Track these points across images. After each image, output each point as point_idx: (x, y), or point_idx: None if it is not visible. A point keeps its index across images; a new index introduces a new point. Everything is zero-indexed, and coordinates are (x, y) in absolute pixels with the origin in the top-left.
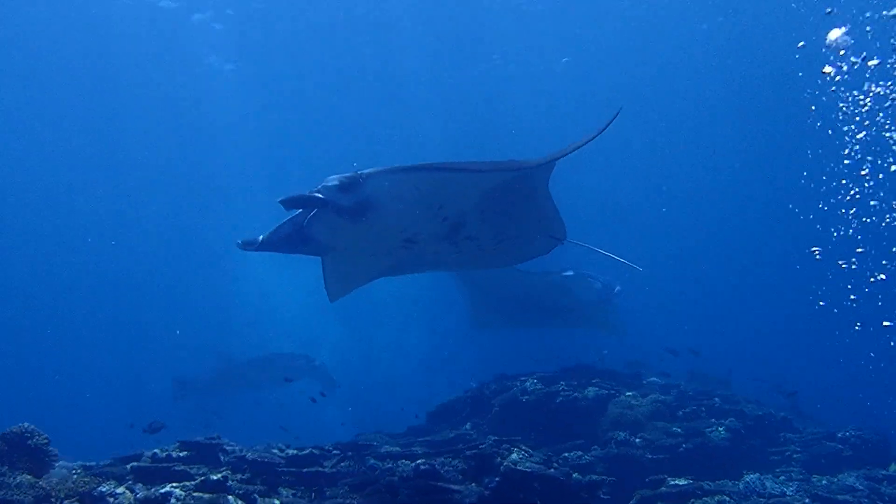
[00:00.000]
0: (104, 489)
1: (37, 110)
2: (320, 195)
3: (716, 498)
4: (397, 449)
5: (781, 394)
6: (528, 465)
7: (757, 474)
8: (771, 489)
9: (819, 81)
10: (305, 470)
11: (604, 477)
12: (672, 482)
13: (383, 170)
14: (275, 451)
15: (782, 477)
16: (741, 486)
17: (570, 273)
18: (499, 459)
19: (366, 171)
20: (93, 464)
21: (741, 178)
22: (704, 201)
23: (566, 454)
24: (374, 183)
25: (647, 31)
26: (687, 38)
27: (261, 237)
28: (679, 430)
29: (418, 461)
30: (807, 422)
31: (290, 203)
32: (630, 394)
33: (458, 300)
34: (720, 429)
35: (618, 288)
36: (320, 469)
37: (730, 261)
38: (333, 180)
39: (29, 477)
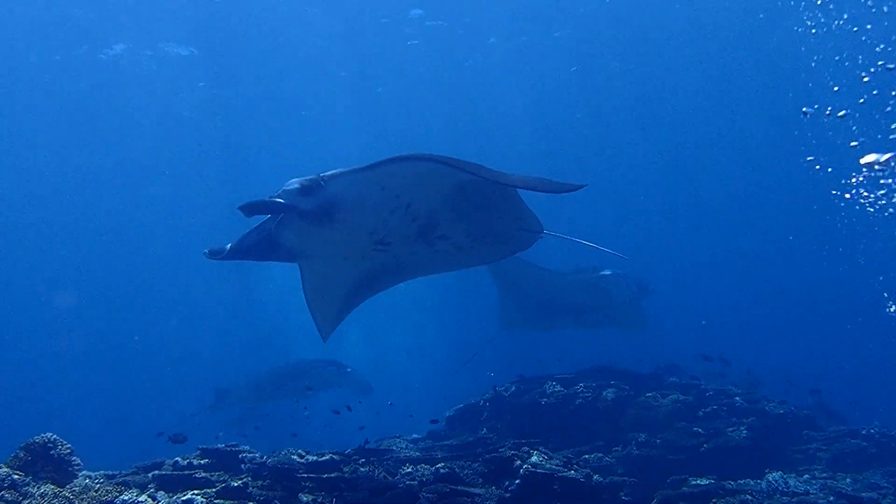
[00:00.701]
0: (126, 497)
1: None
2: (281, 200)
3: (738, 497)
4: (417, 453)
5: (809, 393)
6: (548, 467)
7: (780, 473)
8: (794, 487)
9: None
10: (325, 475)
11: (625, 478)
12: (694, 482)
13: (346, 170)
14: (294, 457)
15: (806, 475)
16: (764, 485)
17: (607, 272)
18: (518, 462)
19: (328, 172)
20: (115, 473)
21: (775, 179)
22: (737, 203)
23: (586, 456)
24: (336, 184)
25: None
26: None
27: (228, 245)
28: (700, 430)
29: (438, 465)
30: (831, 420)
31: (250, 209)
32: (650, 395)
33: (490, 300)
34: (741, 428)
35: (651, 287)
36: (340, 474)
37: (762, 262)
38: (294, 184)
39: (53, 486)
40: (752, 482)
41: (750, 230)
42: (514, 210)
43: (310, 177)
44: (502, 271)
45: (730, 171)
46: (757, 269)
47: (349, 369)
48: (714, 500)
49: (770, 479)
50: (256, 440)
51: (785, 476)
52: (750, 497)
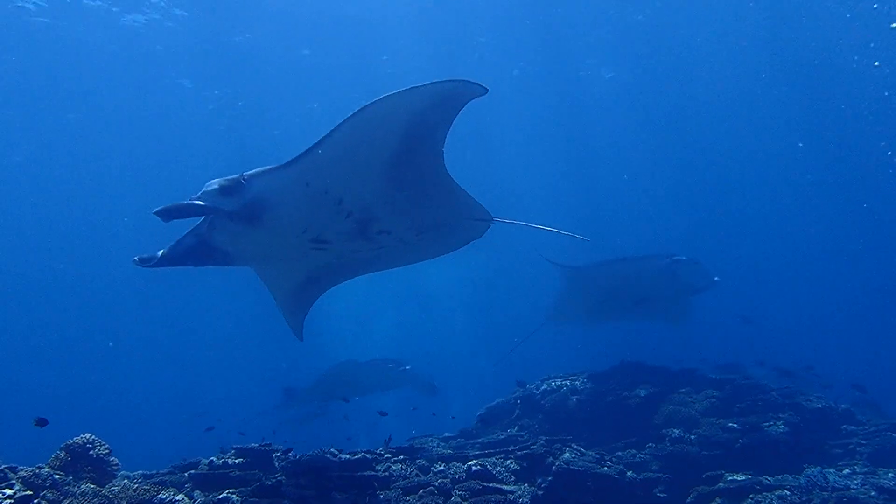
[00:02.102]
0: (164, 496)
1: None
2: (201, 202)
3: (776, 493)
4: (449, 451)
5: (851, 387)
6: (580, 463)
7: (819, 468)
8: (834, 483)
9: None
10: (358, 474)
11: (659, 474)
12: (730, 478)
13: (269, 168)
14: (327, 455)
15: (846, 470)
16: (802, 481)
17: (682, 258)
18: (551, 459)
19: (251, 171)
20: (153, 472)
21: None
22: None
23: (619, 452)
24: (259, 183)
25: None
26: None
27: (160, 252)
28: (735, 425)
29: (470, 463)
30: (871, 413)
31: (167, 214)
32: (683, 390)
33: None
34: (778, 423)
35: (717, 277)
36: (373, 472)
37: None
38: (214, 184)
39: (92, 486)
40: (790, 478)
41: (785, 227)
42: (453, 198)
43: (231, 176)
44: (578, 276)
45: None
46: (788, 263)
47: (408, 367)
48: (752, 496)
49: (809, 474)
50: (307, 441)
51: (824, 471)
52: (788, 493)
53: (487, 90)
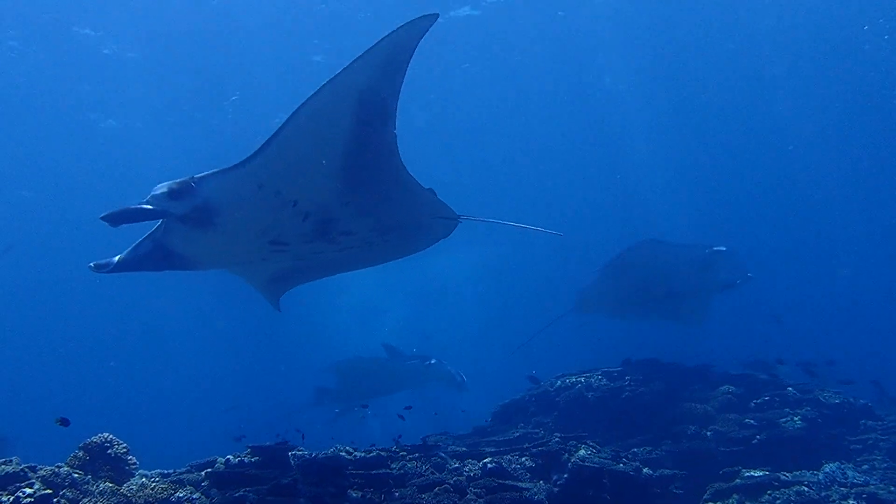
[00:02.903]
0: (181, 495)
1: None
2: (150, 206)
3: (794, 489)
4: (464, 449)
5: (871, 383)
6: (596, 460)
7: (837, 463)
8: (853, 478)
9: None
10: (374, 472)
11: (675, 471)
12: (747, 474)
13: (219, 170)
14: (342, 453)
15: (865, 466)
16: (821, 477)
17: (722, 248)
18: (566, 456)
19: (201, 173)
20: (170, 471)
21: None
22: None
23: (635, 449)
24: (209, 186)
25: None
26: None
27: (116, 258)
28: (752, 421)
29: (485, 460)
30: (891, 409)
31: (114, 218)
32: (698, 387)
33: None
34: (795, 418)
35: (750, 273)
36: (388, 470)
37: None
38: (163, 187)
39: (110, 485)
40: (808, 473)
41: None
42: (414, 197)
43: (181, 179)
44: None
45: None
46: (802, 259)
47: (433, 361)
48: (769, 492)
49: (827, 469)
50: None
51: (843, 466)
52: (807, 489)
53: (437, 15)
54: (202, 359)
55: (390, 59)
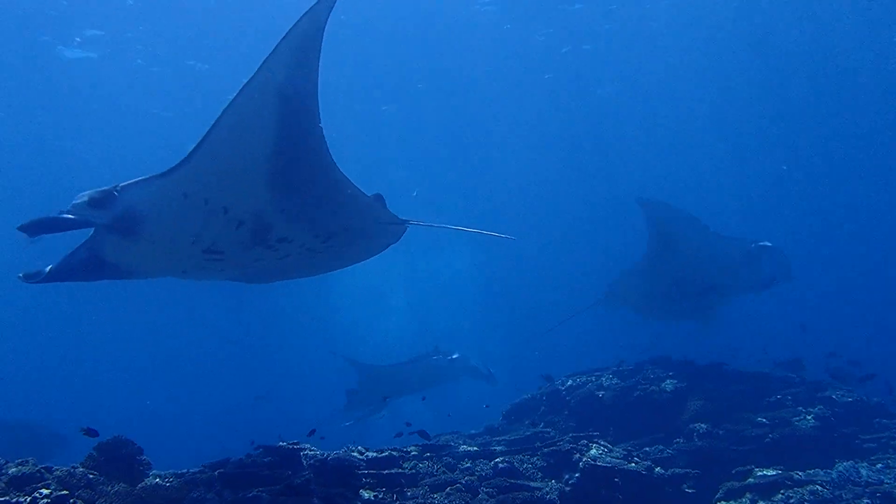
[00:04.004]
0: (195, 495)
1: None
2: (70, 215)
3: (808, 488)
4: (475, 448)
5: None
6: (608, 460)
7: (851, 462)
8: (867, 477)
9: None
10: (385, 471)
11: (687, 470)
12: (760, 473)
13: (143, 178)
14: (354, 453)
15: (879, 464)
16: (834, 475)
17: (767, 243)
18: (578, 455)
19: (125, 182)
20: (183, 471)
21: None
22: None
23: (647, 448)
24: (132, 195)
25: None
26: None
27: (48, 267)
28: (764, 419)
29: (497, 460)
30: None
31: (32, 228)
32: (710, 385)
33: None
34: (808, 417)
35: (778, 278)
36: (400, 470)
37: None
38: (84, 196)
39: (125, 485)
40: (821, 472)
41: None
42: (351, 203)
43: (103, 188)
44: (670, 220)
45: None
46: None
47: (455, 356)
48: (782, 492)
49: (841, 468)
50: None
51: (857, 465)
52: (820, 488)
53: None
54: (207, 354)
55: (301, 50)
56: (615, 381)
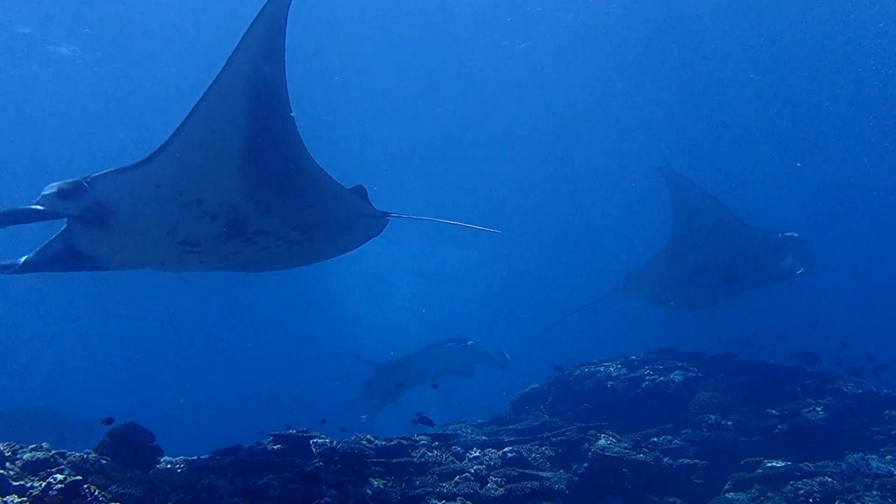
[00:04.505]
0: (206, 482)
1: None
2: (38, 206)
3: (817, 479)
4: (484, 437)
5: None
6: (616, 450)
7: (860, 454)
8: (877, 469)
9: None
10: (394, 460)
11: (696, 461)
12: (769, 464)
13: (113, 170)
14: (363, 442)
15: (889, 456)
16: (844, 467)
17: (794, 234)
18: (586, 445)
19: (96, 173)
20: (194, 458)
21: None
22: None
23: (655, 439)
24: (102, 186)
25: None
26: None
27: (23, 258)
28: (773, 411)
29: (505, 449)
30: None
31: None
32: (719, 376)
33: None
34: (818, 408)
35: (801, 270)
36: (409, 459)
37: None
38: (53, 188)
39: (137, 471)
40: (831, 464)
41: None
42: (329, 195)
43: (73, 179)
44: (695, 209)
45: None
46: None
47: (470, 342)
48: (791, 483)
49: (850, 460)
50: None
51: (866, 457)
52: (830, 479)
53: None
54: (216, 346)
55: (267, 38)
56: (624, 371)
